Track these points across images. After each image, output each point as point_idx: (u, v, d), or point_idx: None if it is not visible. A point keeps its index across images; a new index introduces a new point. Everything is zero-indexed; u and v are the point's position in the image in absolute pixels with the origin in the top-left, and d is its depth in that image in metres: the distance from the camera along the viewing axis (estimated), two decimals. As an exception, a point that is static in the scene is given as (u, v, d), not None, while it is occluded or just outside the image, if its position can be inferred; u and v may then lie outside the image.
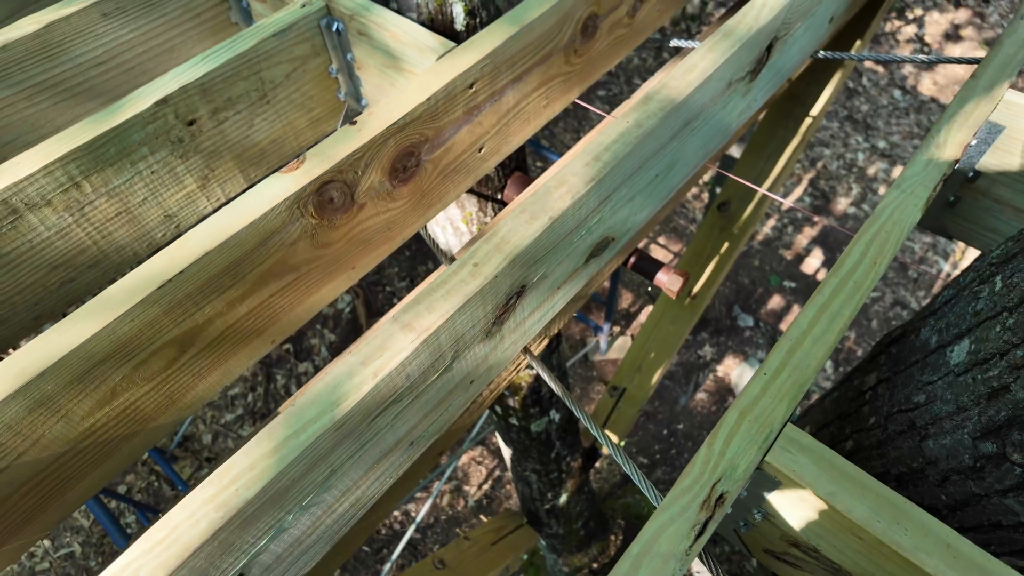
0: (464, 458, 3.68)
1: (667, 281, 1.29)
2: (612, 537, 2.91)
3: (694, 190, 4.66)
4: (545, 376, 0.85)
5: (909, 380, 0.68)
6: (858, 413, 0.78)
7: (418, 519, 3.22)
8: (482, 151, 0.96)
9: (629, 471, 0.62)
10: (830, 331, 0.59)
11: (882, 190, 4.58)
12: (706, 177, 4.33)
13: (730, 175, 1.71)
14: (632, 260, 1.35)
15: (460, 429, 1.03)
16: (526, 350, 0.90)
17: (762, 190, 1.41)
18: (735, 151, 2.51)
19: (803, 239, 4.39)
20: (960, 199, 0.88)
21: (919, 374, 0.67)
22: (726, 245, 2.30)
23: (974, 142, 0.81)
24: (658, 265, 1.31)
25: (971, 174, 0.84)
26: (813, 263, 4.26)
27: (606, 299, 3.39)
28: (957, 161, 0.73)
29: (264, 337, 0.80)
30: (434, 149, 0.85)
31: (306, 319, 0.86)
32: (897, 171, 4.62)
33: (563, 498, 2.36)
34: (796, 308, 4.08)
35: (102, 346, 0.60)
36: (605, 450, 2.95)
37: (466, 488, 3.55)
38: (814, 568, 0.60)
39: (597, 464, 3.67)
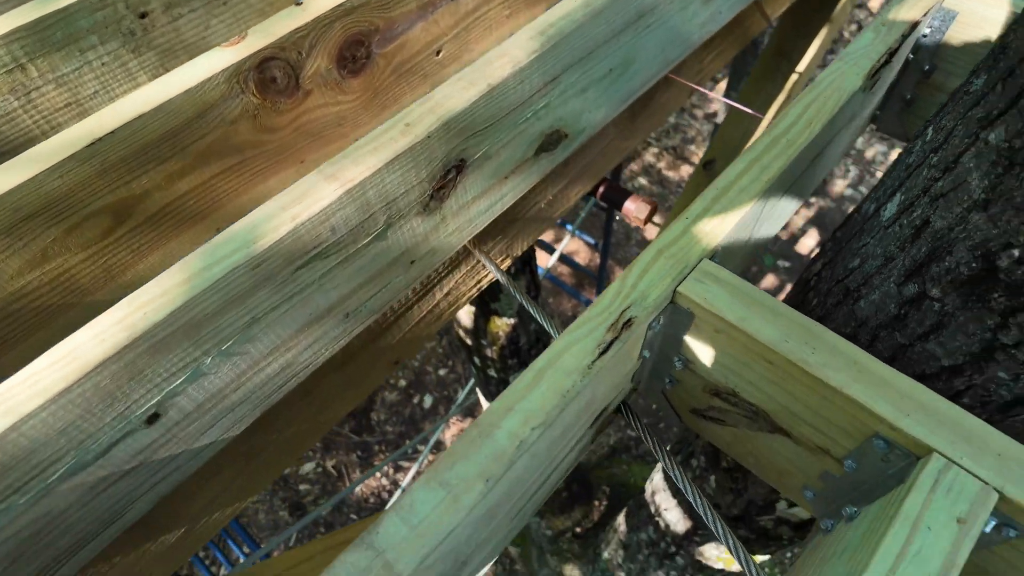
0: (453, 428, 3.69)
1: (634, 209, 1.28)
2: (596, 503, 2.91)
3: (687, 168, 4.65)
4: (501, 278, 0.84)
5: (847, 252, 0.67)
6: (804, 301, 0.77)
7: (403, 486, 3.23)
8: (440, 55, 0.95)
9: (665, 461, 0.60)
10: (757, 182, 0.59)
11: (879, 173, 4.55)
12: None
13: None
14: (601, 190, 1.35)
15: (419, 338, 1.03)
16: (478, 247, 0.89)
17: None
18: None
19: (798, 219, 4.37)
20: (917, 97, 0.87)
21: (856, 242, 0.66)
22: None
23: (927, 31, 0.80)
24: (626, 194, 1.31)
25: (927, 68, 0.83)
26: (808, 243, 4.24)
27: (597, 274, 3.38)
28: (905, 36, 0.72)
29: (208, 222, 0.80)
30: (386, 42, 0.85)
31: (251, 208, 0.86)
32: (895, 153, 4.58)
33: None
34: (790, 288, 4.07)
35: (29, 200, 0.60)
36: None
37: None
38: (736, 419, 0.59)
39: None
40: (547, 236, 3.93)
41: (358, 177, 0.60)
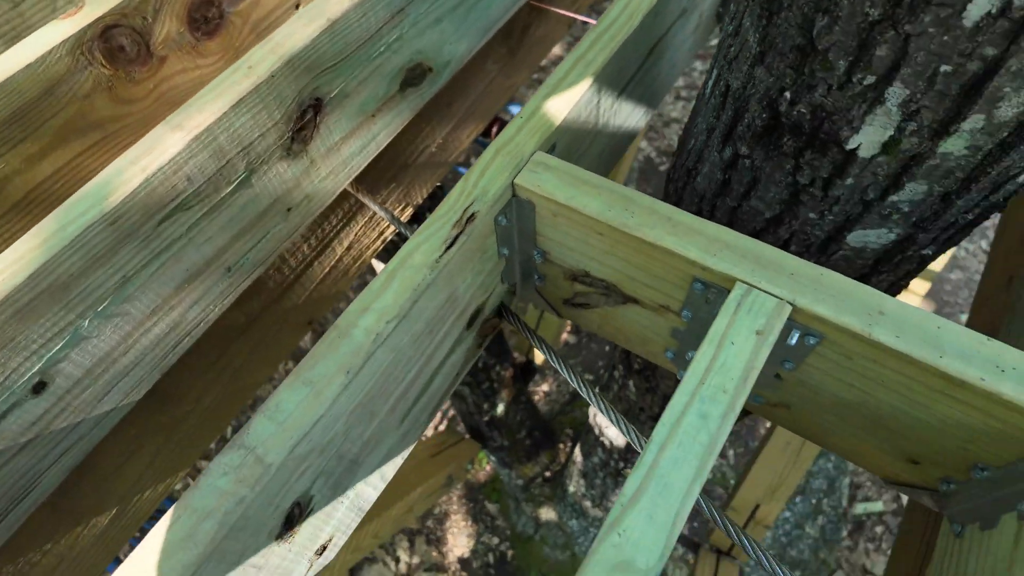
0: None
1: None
2: (561, 446, 3.01)
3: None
4: (398, 226, 0.87)
5: (687, 135, 0.73)
6: (666, 194, 0.83)
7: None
8: (300, 7, 0.95)
9: (555, 361, 0.64)
10: (584, 75, 0.63)
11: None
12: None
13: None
14: (495, 130, 1.38)
15: (327, 296, 1.05)
16: (371, 197, 0.91)
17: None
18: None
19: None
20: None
21: (691, 124, 0.71)
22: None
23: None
24: (514, 128, 1.34)
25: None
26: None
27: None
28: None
29: (80, 202, 0.80)
30: (237, 0, 0.84)
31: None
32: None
33: (500, 408, 2.43)
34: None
35: None
36: (539, 356, 3.03)
37: (427, 437, 3.61)
38: (596, 299, 0.64)
39: (546, 388, 3.76)
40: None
41: (204, 123, 0.61)
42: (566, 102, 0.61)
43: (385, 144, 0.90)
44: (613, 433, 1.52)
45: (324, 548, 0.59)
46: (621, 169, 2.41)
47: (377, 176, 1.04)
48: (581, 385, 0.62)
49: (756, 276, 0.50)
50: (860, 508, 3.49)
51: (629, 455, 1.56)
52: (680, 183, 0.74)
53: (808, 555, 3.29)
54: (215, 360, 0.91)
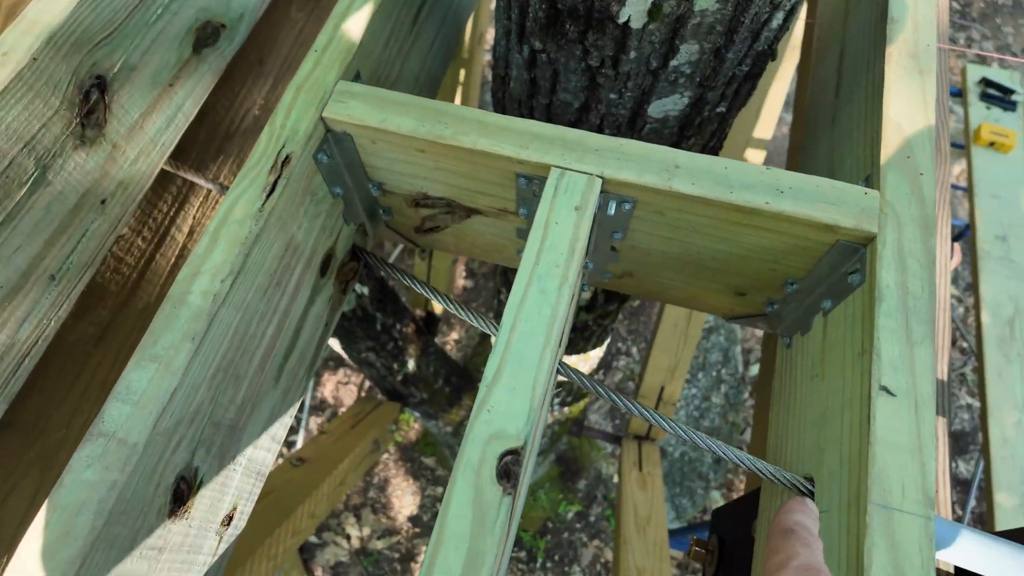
0: (329, 384, 3.66)
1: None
2: (480, 384, 3.09)
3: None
4: None
5: (496, 45, 0.74)
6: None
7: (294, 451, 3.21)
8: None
9: (452, 307, 0.63)
10: (368, 1, 0.63)
11: None
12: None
13: None
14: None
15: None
16: (200, 174, 0.86)
17: None
18: None
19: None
20: None
21: (496, 34, 0.73)
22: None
23: None
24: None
25: None
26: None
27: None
28: None
29: None
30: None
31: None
32: None
33: (410, 364, 2.45)
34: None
35: None
36: (437, 307, 3.06)
37: (343, 411, 3.57)
38: (443, 219, 0.66)
39: (456, 336, 3.81)
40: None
41: (-34, 126, 0.56)
42: (359, 26, 0.61)
43: (194, 114, 0.84)
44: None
45: (230, 518, 0.59)
46: (471, 95, 2.41)
47: (201, 150, 0.98)
48: (472, 316, 0.64)
49: (566, 159, 0.53)
50: (754, 369, 3.86)
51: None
52: (500, 93, 0.76)
53: (719, 421, 3.64)
54: (75, 378, 0.85)
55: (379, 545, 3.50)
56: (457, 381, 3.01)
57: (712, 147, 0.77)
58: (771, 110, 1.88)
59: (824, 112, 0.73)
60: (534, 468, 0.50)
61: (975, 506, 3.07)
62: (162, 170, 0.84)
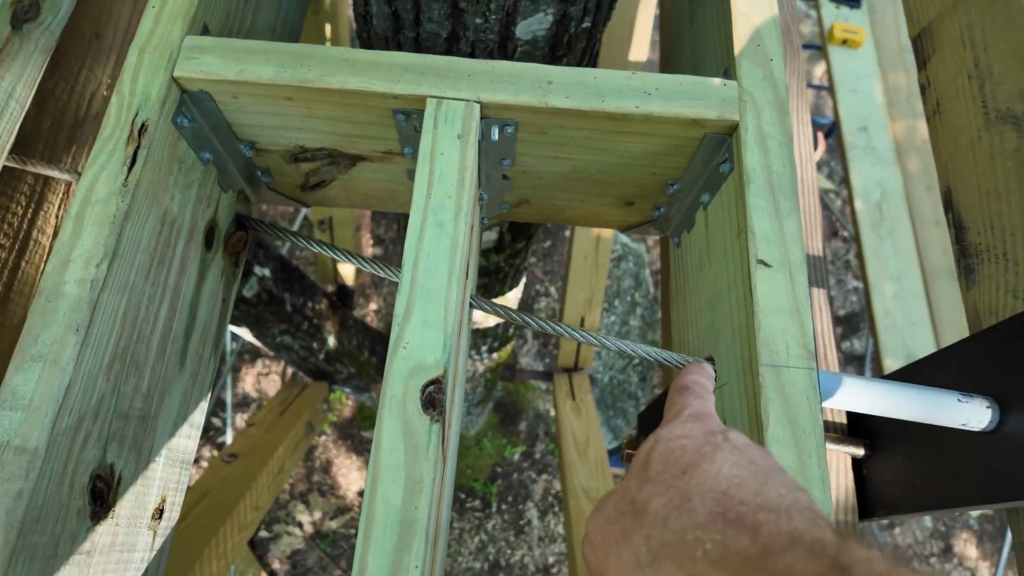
0: (249, 378, 3.53)
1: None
2: (404, 347, 3.08)
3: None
4: None
5: (354, -14, 0.71)
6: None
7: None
8: None
9: (356, 262, 0.59)
10: (210, -53, 0.58)
11: None
12: None
13: None
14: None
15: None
16: (59, 167, 0.78)
17: None
18: None
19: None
20: None
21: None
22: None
23: None
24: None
25: None
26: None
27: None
28: None
29: None
30: None
31: None
32: None
33: (330, 341, 2.40)
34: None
35: None
36: (349, 278, 2.99)
37: (269, 401, 3.46)
38: (328, 171, 0.64)
39: (375, 306, 3.74)
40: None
41: None
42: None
43: (29, 100, 0.76)
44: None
45: (160, 511, 0.57)
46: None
47: (50, 142, 0.89)
48: (380, 267, 0.63)
49: (440, 87, 0.53)
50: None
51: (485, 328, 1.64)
52: (364, 34, 0.74)
53: (639, 340, 3.83)
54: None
55: (333, 525, 3.48)
56: (382, 350, 2.98)
57: (586, 67, 0.79)
58: (642, 31, 1.92)
59: (683, 15, 0.76)
60: (463, 398, 0.51)
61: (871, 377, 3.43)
62: (6, 168, 0.76)
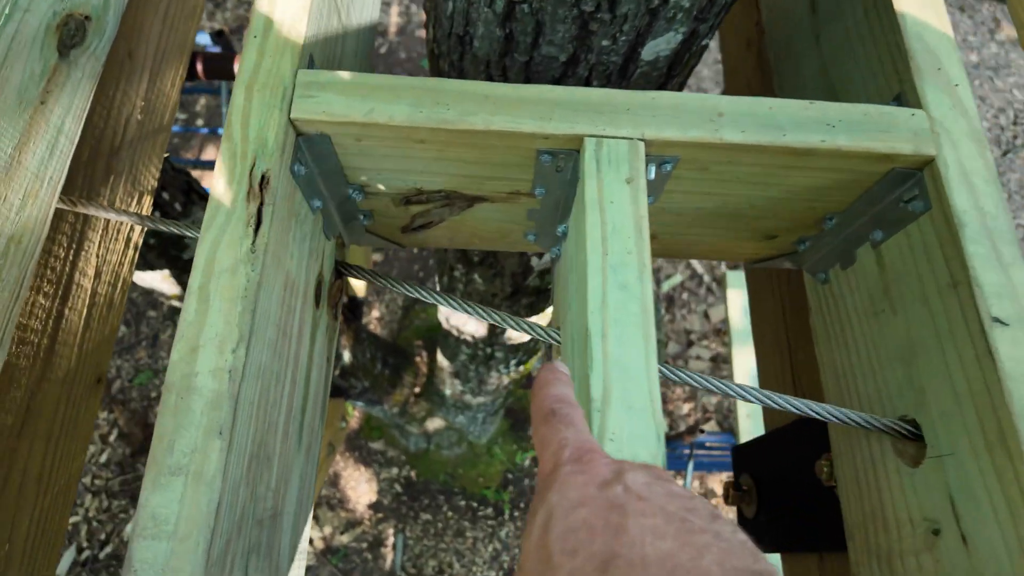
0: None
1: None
2: (417, 359, 3.00)
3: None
4: (144, 223, 0.67)
5: (441, 3, 0.64)
6: (438, 72, 0.75)
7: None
8: None
9: (458, 306, 0.51)
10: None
11: None
12: None
13: None
14: (200, 66, 1.14)
15: (102, 340, 0.85)
16: (91, 204, 0.70)
17: None
18: None
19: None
20: None
21: None
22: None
23: None
24: (230, 59, 1.13)
25: None
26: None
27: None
28: None
29: None
30: None
31: None
32: None
33: (346, 356, 2.32)
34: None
35: None
36: (360, 290, 2.90)
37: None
38: (439, 213, 0.58)
39: (377, 313, 3.66)
40: (211, 153, 3.43)
41: None
42: (295, 3, 0.49)
43: (78, 135, 0.68)
44: (472, 328, 1.52)
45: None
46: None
47: (87, 174, 0.81)
48: (439, 297, 0.56)
49: (598, 124, 0.46)
50: (665, 286, 4.02)
51: (493, 339, 1.58)
52: (455, 55, 0.66)
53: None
54: (3, 480, 0.70)
55: (344, 539, 3.40)
56: (394, 361, 2.90)
57: (686, 83, 0.72)
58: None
59: (799, 31, 0.70)
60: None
61: None
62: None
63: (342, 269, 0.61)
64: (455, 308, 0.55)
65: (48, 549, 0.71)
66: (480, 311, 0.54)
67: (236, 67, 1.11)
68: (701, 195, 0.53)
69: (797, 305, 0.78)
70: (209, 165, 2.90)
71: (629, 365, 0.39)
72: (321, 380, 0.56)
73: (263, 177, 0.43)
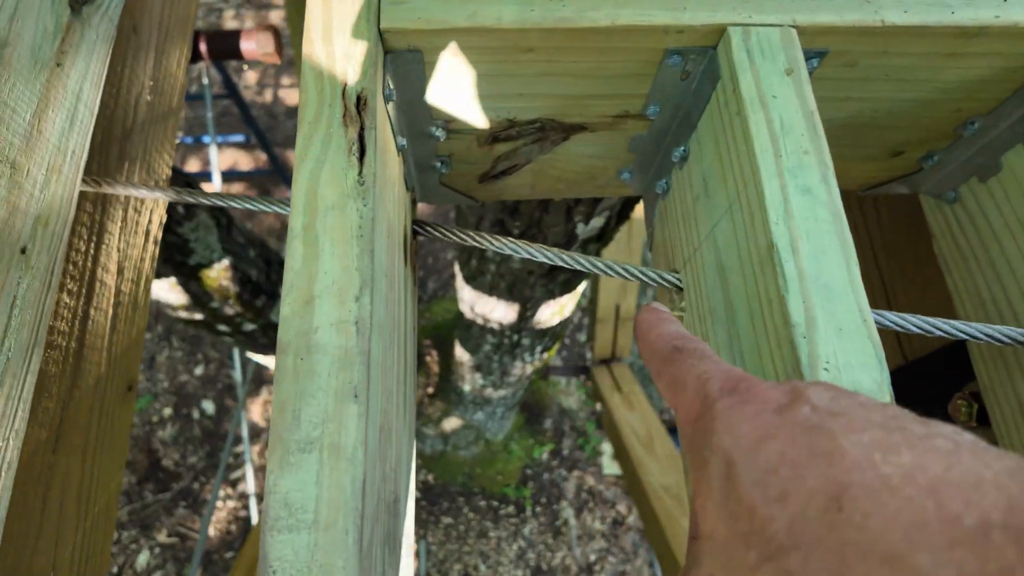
0: (256, 408, 3.32)
1: (256, 46, 1.03)
2: (427, 358, 2.93)
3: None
4: (160, 195, 0.59)
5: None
6: None
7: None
8: None
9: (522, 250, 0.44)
10: None
11: None
12: None
13: None
14: (204, 47, 1.06)
15: (130, 345, 0.77)
16: (107, 193, 0.63)
17: None
18: None
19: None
20: None
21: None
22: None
23: None
24: (235, 35, 1.04)
25: None
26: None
27: (270, 168, 2.99)
28: None
29: None
30: None
31: None
32: None
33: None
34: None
35: None
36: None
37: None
38: (527, 153, 0.50)
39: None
40: (195, 165, 3.33)
41: None
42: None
43: (96, 103, 0.60)
44: (499, 315, 1.45)
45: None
46: None
47: (103, 159, 0.73)
48: (525, 249, 0.49)
49: (742, 12, 0.39)
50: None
51: (521, 325, 1.51)
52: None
53: (657, 323, 3.74)
54: (42, 502, 0.62)
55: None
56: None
57: None
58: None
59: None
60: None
61: None
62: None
63: (416, 228, 0.53)
64: (549, 260, 0.48)
65: (97, 563, 0.63)
66: (566, 257, 0.47)
67: (244, 44, 1.02)
68: (837, 102, 0.46)
69: (889, 241, 0.72)
70: (200, 176, 2.80)
71: (831, 283, 0.33)
72: (412, 349, 0.49)
73: (359, 98, 0.36)
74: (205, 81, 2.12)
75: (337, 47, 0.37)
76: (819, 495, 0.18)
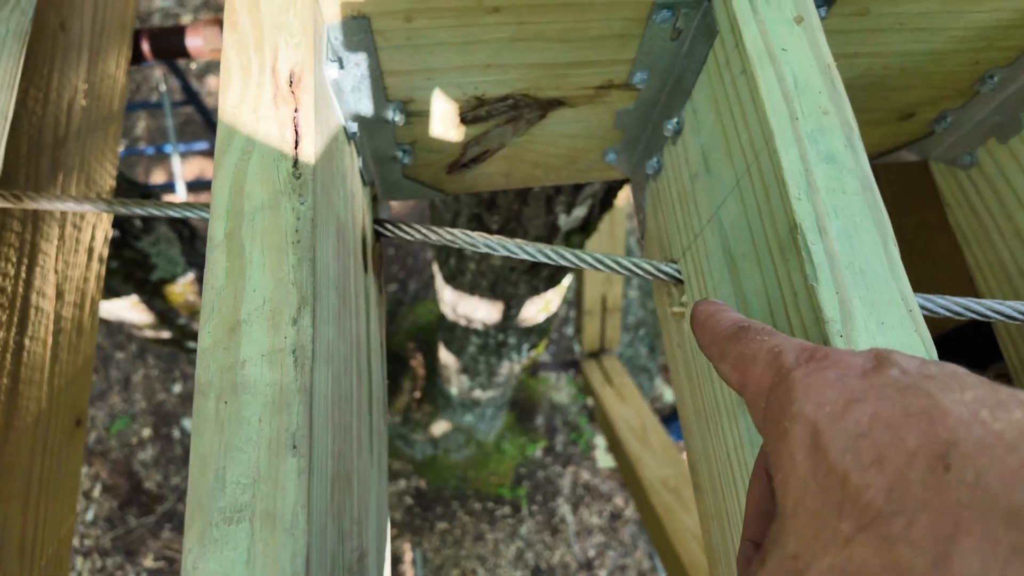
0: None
1: (204, 43, 0.96)
2: (412, 363, 2.86)
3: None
4: (105, 209, 0.52)
5: None
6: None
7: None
8: None
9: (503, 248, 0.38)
10: None
11: None
12: None
13: None
14: (146, 46, 0.98)
15: (75, 376, 0.70)
16: (18, 197, 0.56)
17: None
18: None
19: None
20: None
21: None
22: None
23: None
24: (179, 31, 0.97)
25: None
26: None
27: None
28: None
29: None
30: None
31: None
32: None
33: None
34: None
35: None
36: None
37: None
38: (499, 136, 0.44)
39: (361, 322, 3.50)
40: (160, 176, 3.21)
41: None
42: None
43: (11, 108, 0.53)
44: (483, 315, 1.39)
45: None
46: None
47: (32, 171, 0.66)
48: (508, 245, 0.43)
49: (739, -44, 0.34)
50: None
51: (506, 324, 1.45)
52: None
53: (642, 312, 3.71)
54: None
55: (361, 561, 3.26)
56: (389, 367, 2.75)
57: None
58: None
59: None
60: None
61: None
62: (-5, 207, 0.54)
63: (380, 228, 0.47)
64: (531, 256, 0.42)
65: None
66: (549, 252, 0.41)
67: (189, 41, 0.95)
68: (845, 60, 0.41)
69: (897, 213, 0.67)
70: (165, 188, 2.70)
71: (867, 267, 0.27)
72: (380, 370, 0.42)
73: (292, 74, 0.29)
74: (163, 88, 2.02)
75: (265, 15, 0.31)
76: (921, 456, 0.17)
